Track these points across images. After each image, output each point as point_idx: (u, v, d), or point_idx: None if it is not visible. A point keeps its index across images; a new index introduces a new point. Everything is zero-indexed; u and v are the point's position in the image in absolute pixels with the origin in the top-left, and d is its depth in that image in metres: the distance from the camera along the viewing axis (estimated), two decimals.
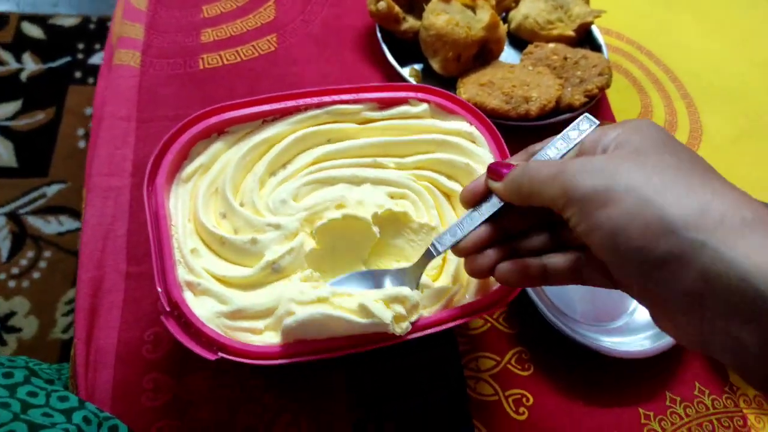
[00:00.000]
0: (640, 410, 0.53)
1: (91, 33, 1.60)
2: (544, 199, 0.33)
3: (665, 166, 0.30)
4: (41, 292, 1.19)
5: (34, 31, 1.57)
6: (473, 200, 0.40)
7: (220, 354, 0.37)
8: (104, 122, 0.59)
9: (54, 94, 1.46)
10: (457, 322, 0.42)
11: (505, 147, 0.50)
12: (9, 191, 1.30)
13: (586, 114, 0.40)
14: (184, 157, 0.46)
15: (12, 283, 1.18)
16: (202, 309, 0.39)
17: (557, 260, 0.37)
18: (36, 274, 1.20)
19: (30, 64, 1.50)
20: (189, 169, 0.46)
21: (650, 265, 0.29)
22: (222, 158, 0.47)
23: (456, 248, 0.40)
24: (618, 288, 0.34)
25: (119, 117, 0.60)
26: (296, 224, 0.45)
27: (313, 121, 0.50)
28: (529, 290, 0.53)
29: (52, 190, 1.32)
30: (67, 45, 1.56)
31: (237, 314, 0.40)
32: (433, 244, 0.41)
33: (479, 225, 0.39)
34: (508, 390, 0.52)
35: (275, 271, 0.43)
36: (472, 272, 0.39)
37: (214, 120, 0.47)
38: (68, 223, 1.28)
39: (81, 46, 1.56)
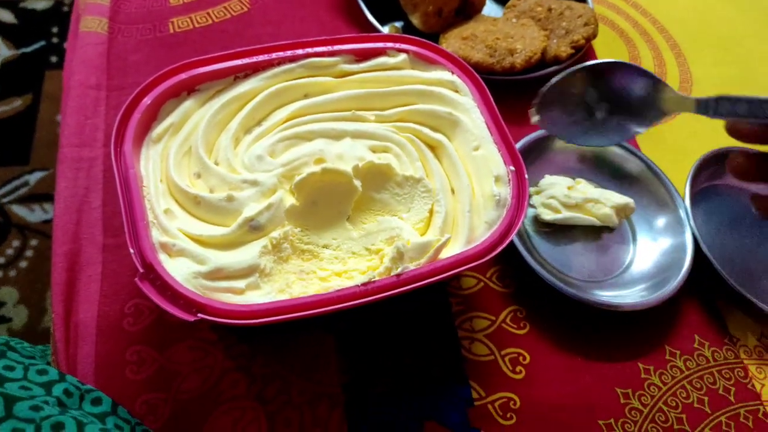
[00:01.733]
0: (640, 365, 0.52)
1: (65, 16, 1.56)
2: None
3: None
4: (29, 282, 1.17)
5: (5, 15, 1.53)
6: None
7: (200, 315, 0.36)
8: (73, 91, 0.57)
9: (30, 80, 1.43)
10: (447, 275, 0.40)
11: (489, 94, 0.48)
12: None
13: None
14: (153, 117, 0.44)
15: None
16: (179, 270, 0.37)
17: None
18: (23, 263, 1.19)
19: (3, 50, 1.47)
20: (159, 129, 0.44)
21: None
22: (193, 117, 0.45)
23: None
24: None
25: (89, 86, 0.58)
26: (274, 180, 0.43)
27: (287, 75, 0.48)
28: (521, 247, 0.52)
29: (34, 177, 1.29)
30: (40, 29, 1.52)
31: (215, 274, 0.38)
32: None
33: None
34: (504, 349, 0.51)
35: (253, 228, 0.41)
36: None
37: (182, 77, 0.45)
38: (53, 211, 1.25)
39: (55, 29, 1.52)
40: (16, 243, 1.21)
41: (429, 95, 0.49)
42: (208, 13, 0.67)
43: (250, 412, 0.45)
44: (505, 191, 0.44)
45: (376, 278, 0.39)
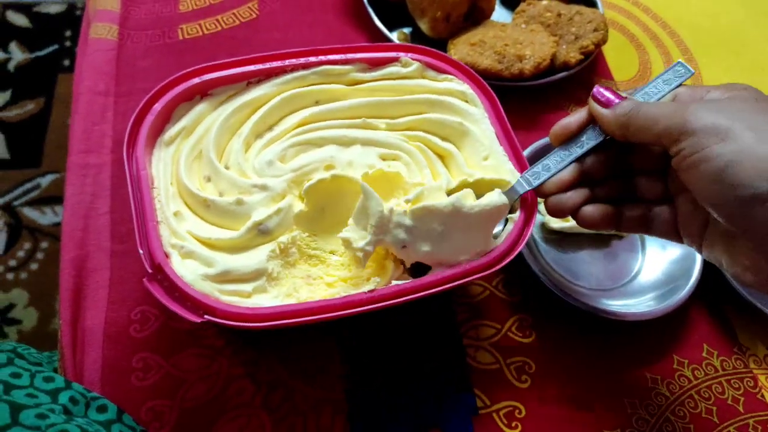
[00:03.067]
0: (647, 374, 0.51)
1: (78, 20, 1.57)
2: (655, 132, 0.35)
3: None
4: (39, 284, 1.18)
5: (19, 19, 1.54)
6: (564, 137, 0.42)
7: (207, 317, 0.36)
8: (81, 98, 0.57)
9: (43, 84, 1.44)
10: (454, 285, 0.40)
11: (499, 105, 0.48)
12: (2, 183, 1.29)
13: (681, 61, 0.41)
14: (166, 120, 0.45)
15: (10, 276, 1.17)
16: (187, 271, 0.38)
17: (633, 212, 0.41)
18: (33, 266, 1.20)
19: (17, 54, 1.48)
20: (171, 131, 0.44)
21: (755, 200, 0.31)
22: (205, 121, 0.46)
23: (540, 189, 0.42)
24: (682, 241, 0.39)
25: (97, 92, 0.58)
26: (283, 185, 0.43)
27: (299, 82, 0.48)
28: (527, 257, 0.51)
29: (46, 180, 1.30)
30: (53, 33, 1.53)
31: (223, 276, 0.39)
32: (520, 182, 0.43)
33: (568, 164, 0.41)
34: (510, 358, 0.50)
35: (262, 232, 0.41)
36: (553, 212, 0.42)
37: (195, 81, 0.45)
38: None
39: (68, 33, 1.53)
40: (27, 245, 1.22)
41: (439, 105, 0.49)
42: (217, 20, 0.67)
43: (255, 420, 0.45)
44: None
45: (381, 285, 0.39)
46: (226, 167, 0.45)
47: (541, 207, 0.57)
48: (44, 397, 0.38)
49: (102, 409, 0.40)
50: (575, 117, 0.41)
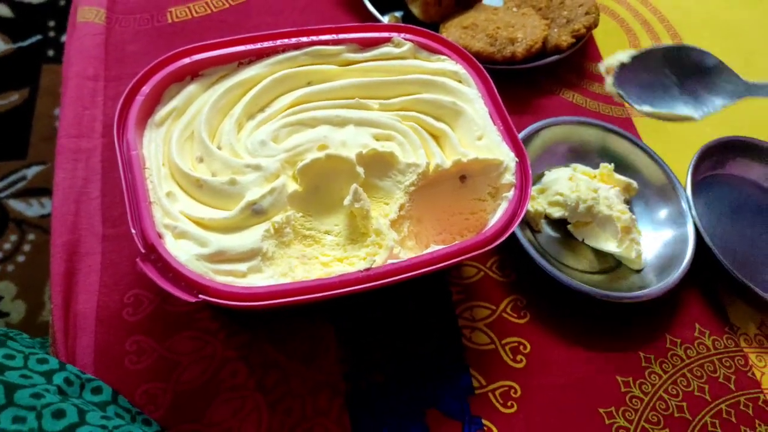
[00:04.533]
0: (641, 354, 0.52)
1: (62, 10, 1.55)
2: None
3: None
4: (27, 276, 1.16)
5: (0, 9, 1.52)
6: None
7: (201, 296, 0.36)
8: (70, 82, 0.56)
9: (27, 74, 1.42)
10: (448, 263, 0.40)
11: (492, 85, 0.48)
12: None
13: None
14: (157, 101, 0.44)
15: None
16: (181, 252, 0.38)
17: None
18: (21, 258, 1.18)
19: None
20: (162, 112, 0.44)
21: None
22: (197, 102, 0.45)
23: None
24: None
25: (86, 76, 0.57)
26: (277, 165, 0.43)
27: (291, 62, 0.48)
28: (522, 238, 0.51)
29: (32, 172, 1.28)
30: (37, 23, 1.51)
31: (218, 256, 0.39)
32: None
33: None
34: (505, 338, 0.50)
35: (256, 212, 0.41)
36: None
37: (186, 61, 0.45)
38: (50, 205, 1.24)
39: (52, 23, 1.51)
40: (13, 237, 1.20)
41: (433, 85, 0.49)
42: (206, 3, 0.66)
43: (250, 402, 0.44)
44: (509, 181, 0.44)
45: (376, 264, 0.39)
46: (219, 148, 0.44)
47: (539, 199, 0.57)
48: (38, 378, 0.37)
49: (97, 390, 0.39)
50: None
